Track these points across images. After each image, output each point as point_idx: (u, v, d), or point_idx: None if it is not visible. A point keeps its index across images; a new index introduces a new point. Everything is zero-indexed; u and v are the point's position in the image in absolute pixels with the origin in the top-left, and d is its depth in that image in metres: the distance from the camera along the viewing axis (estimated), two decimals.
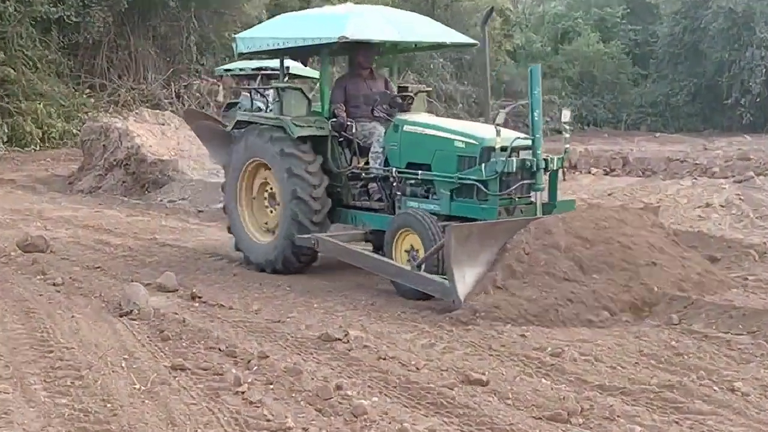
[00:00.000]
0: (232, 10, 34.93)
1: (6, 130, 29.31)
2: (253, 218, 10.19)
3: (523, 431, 5.00)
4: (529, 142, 8.19)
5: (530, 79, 7.99)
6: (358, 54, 9.94)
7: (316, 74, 17.34)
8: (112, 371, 6.13)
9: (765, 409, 5.32)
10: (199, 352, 6.66)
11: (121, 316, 7.72)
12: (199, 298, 8.55)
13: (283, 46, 9.80)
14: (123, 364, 6.30)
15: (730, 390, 5.61)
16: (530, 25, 44.08)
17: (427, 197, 8.86)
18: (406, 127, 9.04)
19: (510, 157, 8.05)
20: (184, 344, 6.88)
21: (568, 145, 8.81)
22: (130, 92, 33.00)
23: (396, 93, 10.02)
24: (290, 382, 5.85)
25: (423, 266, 7.88)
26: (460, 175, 8.37)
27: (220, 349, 6.70)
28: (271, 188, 9.98)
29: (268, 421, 5.11)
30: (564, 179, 9.54)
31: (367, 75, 10.00)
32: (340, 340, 6.91)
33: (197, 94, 34.16)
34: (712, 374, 5.91)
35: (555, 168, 8.56)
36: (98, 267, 10.35)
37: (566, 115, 8.75)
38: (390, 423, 5.09)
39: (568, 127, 8.58)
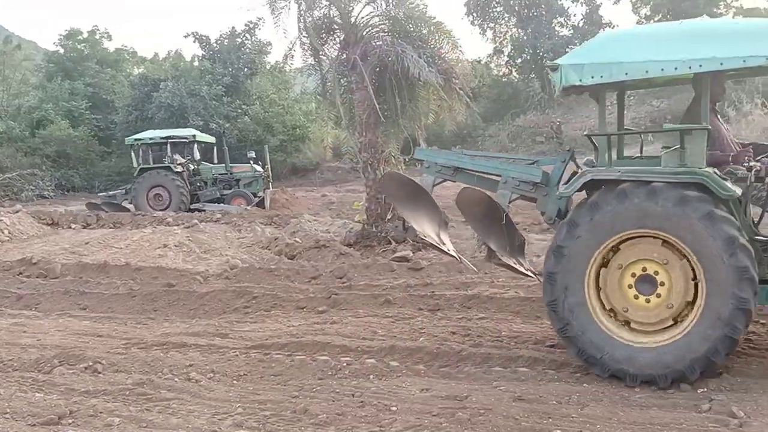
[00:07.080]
0: None
1: None
2: (606, 313, 5.45)
3: None
4: None
5: None
6: (717, 84, 5.72)
7: (211, 139, 13.32)
8: None
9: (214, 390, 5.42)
10: None
11: None
12: None
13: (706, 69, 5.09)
14: None
15: (187, 380, 5.64)
16: (8, 114, 40.71)
17: None
18: None
19: None
20: None
21: None
22: None
23: None
24: None
25: None
26: None
27: None
28: (645, 269, 5.30)
29: None
30: None
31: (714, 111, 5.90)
32: None
33: None
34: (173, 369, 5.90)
35: None
36: None
37: None
38: None
39: None
